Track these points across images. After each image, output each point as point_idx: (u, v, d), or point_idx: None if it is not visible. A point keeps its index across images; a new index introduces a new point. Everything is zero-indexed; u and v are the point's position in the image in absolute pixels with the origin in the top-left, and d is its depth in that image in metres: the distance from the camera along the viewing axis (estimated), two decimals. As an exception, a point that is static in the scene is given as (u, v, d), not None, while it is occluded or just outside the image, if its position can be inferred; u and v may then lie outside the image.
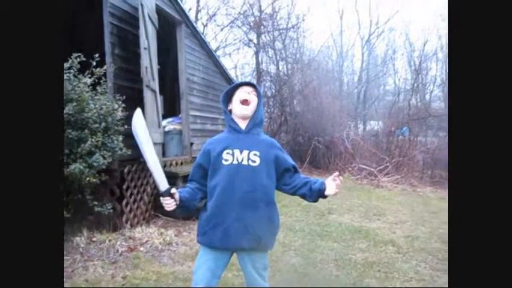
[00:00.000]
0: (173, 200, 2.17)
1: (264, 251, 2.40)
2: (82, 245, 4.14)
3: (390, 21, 30.40)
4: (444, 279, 3.92)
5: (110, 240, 4.33)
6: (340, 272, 3.99)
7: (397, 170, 12.69)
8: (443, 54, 25.06)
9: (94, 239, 4.32)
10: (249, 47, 15.74)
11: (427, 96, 25.53)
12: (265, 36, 15.12)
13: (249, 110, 2.33)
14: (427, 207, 8.19)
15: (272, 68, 15.64)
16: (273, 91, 15.45)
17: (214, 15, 17.53)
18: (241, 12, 15.62)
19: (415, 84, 20.39)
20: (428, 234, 5.69)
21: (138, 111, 2.15)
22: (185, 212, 2.37)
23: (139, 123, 2.12)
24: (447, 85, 22.66)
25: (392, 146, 14.15)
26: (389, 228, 5.93)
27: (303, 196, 2.36)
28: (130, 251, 4.19)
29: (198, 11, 18.21)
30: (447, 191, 10.56)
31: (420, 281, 3.87)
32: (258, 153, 2.29)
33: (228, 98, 2.42)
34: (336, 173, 2.27)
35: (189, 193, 2.31)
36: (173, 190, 2.19)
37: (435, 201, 9.07)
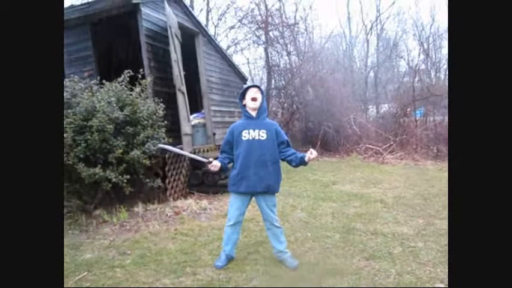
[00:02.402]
0: (216, 164, 3.53)
1: (272, 193, 3.71)
2: (141, 212, 5.54)
3: (397, 4, 30.88)
4: (416, 222, 5.14)
5: (160, 208, 5.74)
6: (334, 220, 5.28)
7: (401, 147, 13.75)
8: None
9: (148, 208, 5.71)
10: (258, 44, 16.84)
11: (441, 75, 26.17)
12: (272, 33, 16.11)
13: (257, 104, 3.64)
14: (422, 176, 9.26)
15: (281, 62, 16.61)
16: (283, 83, 16.49)
17: (223, 14, 18.71)
18: (248, 11, 16.66)
19: (423, 65, 21.23)
20: (414, 195, 6.87)
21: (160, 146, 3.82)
22: (222, 170, 3.78)
23: (165, 148, 3.74)
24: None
25: (397, 126, 15.20)
26: (382, 192, 7.14)
27: (290, 161, 3.69)
28: (175, 214, 5.56)
29: (208, 12, 19.44)
30: (446, 163, 11.63)
31: (396, 224, 5.10)
32: (264, 131, 3.60)
33: (242, 96, 3.72)
34: (311, 149, 3.55)
35: (222, 159, 3.65)
36: (212, 160, 3.55)
37: (432, 172, 10.06)
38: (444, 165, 11.37)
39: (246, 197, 3.69)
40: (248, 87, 3.73)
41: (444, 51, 24.82)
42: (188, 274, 3.67)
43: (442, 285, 3.34)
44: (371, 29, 25.99)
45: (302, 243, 4.41)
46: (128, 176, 5.07)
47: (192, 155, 4.16)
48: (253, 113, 3.68)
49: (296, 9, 17.50)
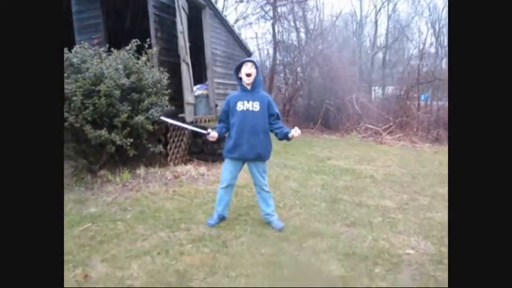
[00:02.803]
0: (214, 135, 3.86)
1: (263, 160, 4.03)
2: (142, 174, 5.89)
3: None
4: (400, 197, 5.47)
5: (160, 172, 6.09)
6: (324, 191, 5.63)
7: (401, 129, 14.01)
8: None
9: (150, 171, 6.06)
10: (266, 19, 16.91)
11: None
12: (280, 9, 16.16)
13: (251, 79, 3.92)
14: (417, 157, 9.56)
15: (288, 38, 16.71)
16: (289, 59, 16.63)
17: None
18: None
19: (432, 48, 21.24)
20: (404, 173, 7.19)
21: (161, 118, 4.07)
22: (221, 140, 4.15)
23: (164, 120, 4.03)
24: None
25: (398, 108, 15.41)
26: (374, 169, 7.46)
27: (275, 133, 4.00)
28: (175, 178, 5.92)
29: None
30: (445, 147, 11.90)
31: (381, 198, 5.44)
32: (258, 103, 3.90)
33: (238, 70, 3.99)
34: (296, 128, 3.84)
35: (220, 128, 3.98)
36: (210, 131, 3.87)
37: (427, 154, 10.35)
38: (441, 148, 11.66)
39: (238, 162, 4.01)
40: (243, 62, 3.99)
41: None
42: (183, 229, 4.03)
43: (413, 251, 3.70)
44: (380, 9, 25.57)
45: (290, 209, 4.76)
46: (131, 140, 5.40)
47: (190, 127, 4.48)
48: (248, 86, 3.96)
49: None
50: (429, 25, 26.12)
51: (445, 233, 4.12)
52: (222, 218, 4.21)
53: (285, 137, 3.90)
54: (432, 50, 25.83)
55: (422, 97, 16.40)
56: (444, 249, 3.71)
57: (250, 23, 18.73)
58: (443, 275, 3.20)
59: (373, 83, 22.19)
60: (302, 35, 17.26)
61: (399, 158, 9.05)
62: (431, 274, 3.24)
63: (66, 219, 4.29)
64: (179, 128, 6.98)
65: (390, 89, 20.04)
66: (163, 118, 4.44)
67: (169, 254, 3.48)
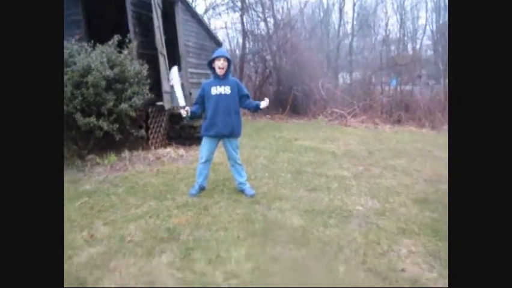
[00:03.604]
0: (187, 110, 4.51)
1: (235, 137, 4.74)
2: (127, 157, 6.52)
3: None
4: (356, 168, 6.28)
5: (143, 154, 6.75)
6: (290, 165, 6.40)
7: (365, 112, 14.93)
8: (433, 4, 26.53)
9: (134, 154, 6.70)
10: (234, 10, 17.47)
11: (417, 46, 27.15)
12: (248, 0, 16.71)
13: (223, 71, 4.58)
14: (376, 136, 10.46)
15: (257, 28, 17.33)
16: (258, 48, 17.28)
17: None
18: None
19: (398, 34, 22.19)
20: (362, 149, 8.05)
21: (175, 68, 4.63)
22: (192, 117, 4.78)
23: (174, 70, 4.59)
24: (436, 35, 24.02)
25: (361, 92, 16.34)
26: (336, 147, 8.28)
27: (249, 108, 4.76)
28: (157, 159, 6.59)
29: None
30: (405, 127, 12.89)
31: (339, 169, 6.24)
32: (229, 87, 4.59)
33: (211, 62, 4.66)
34: (266, 98, 4.59)
35: (195, 108, 4.66)
36: (186, 107, 4.53)
37: (387, 133, 11.27)
38: (401, 128, 12.66)
39: (214, 139, 4.72)
40: (216, 57, 4.66)
41: (421, 21, 25.89)
42: (169, 199, 4.72)
43: (361, 207, 4.49)
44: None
45: (260, 180, 5.51)
46: (117, 125, 6.02)
47: (179, 98, 5.08)
48: (221, 75, 4.64)
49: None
50: (395, 11, 27.23)
51: (390, 195, 4.97)
52: (202, 189, 4.92)
53: (256, 107, 4.68)
54: (398, 35, 27.08)
55: (394, 82, 17.34)
56: (388, 205, 4.55)
57: (220, 13, 19.29)
58: (383, 223, 4.02)
59: (340, 70, 23.05)
60: (270, 24, 17.88)
61: (360, 138, 9.92)
62: (374, 222, 4.04)
63: (65, 196, 4.92)
64: (158, 114, 7.62)
65: (357, 75, 21.00)
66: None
67: (159, 217, 4.17)
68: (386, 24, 25.05)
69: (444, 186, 5.33)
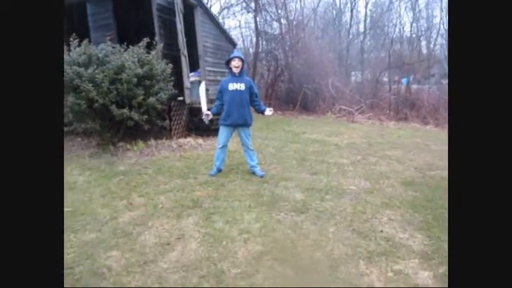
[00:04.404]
0: (209, 114, 5.39)
1: (248, 126, 5.58)
2: (153, 144, 7.42)
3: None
4: (355, 157, 7.07)
5: (167, 143, 7.65)
6: (296, 154, 7.22)
7: (371, 109, 15.66)
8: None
9: (159, 142, 7.60)
10: (248, 11, 18.29)
11: (431, 45, 27.59)
12: (261, 1, 17.47)
13: (238, 70, 5.43)
14: (380, 131, 11.17)
15: (270, 28, 18.08)
16: (270, 47, 18.06)
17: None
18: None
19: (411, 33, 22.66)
20: (363, 142, 8.82)
21: (203, 83, 5.50)
22: (218, 114, 5.74)
23: (202, 86, 5.45)
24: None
25: (369, 90, 17.07)
26: (339, 140, 9.07)
27: (255, 108, 5.60)
28: (179, 147, 7.48)
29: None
30: (409, 124, 13.58)
31: (340, 157, 7.04)
32: (243, 84, 5.44)
33: (228, 62, 5.51)
34: (271, 108, 5.46)
35: (216, 108, 5.52)
36: (208, 112, 5.41)
37: (390, 129, 11.95)
38: (405, 125, 13.34)
39: (230, 128, 5.57)
40: (232, 57, 5.51)
41: (436, 20, 26.27)
42: (191, 178, 5.59)
43: (355, 187, 5.30)
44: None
45: (269, 165, 6.35)
46: (146, 116, 6.92)
47: (204, 104, 5.94)
48: (236, 73, 5.48)
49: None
50: (409, 9, 27.65)
51: (381, 178, 5.76)
52: (219, 170, 5.77)
53: (261, 111, 5.54)
54: (411, 34, 27.58)
55: (404, 81, 17.98)
56: (377, 186, 5.34)
57: (234, 13, 20.14)
58: (371, 199, 4.82)
59: (352, 68, 23.66)
60: (283, 23, 18.59)
61: (364, 132, 10.67)
62: (363, 198, 4.84)
63: (103, 174, 5.83)
64: (179, 108, 8.50)
65: (368, 74, 21.58)
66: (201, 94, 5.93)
67: (185, 191, 5.04)
68: (395, 25, 25.58)
69: (432, 173, 6.12)
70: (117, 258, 3.35)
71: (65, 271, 3.12)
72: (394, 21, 28.03)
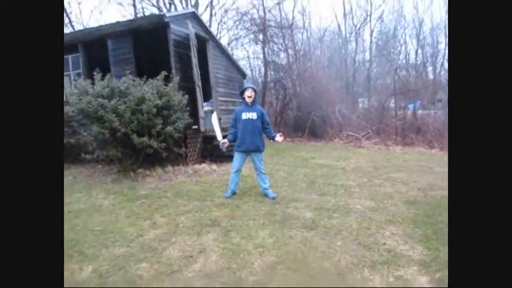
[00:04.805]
0: (226, 142, 5.89)
1: (260, 152, 6.05)
2: (171, 171, 7.90)
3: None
4: (361, 180, 7.47)
5: (183, 169, 8.13)
6: (305, 177, 7.65)
7: (378, 135, 16.08)
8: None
9: (175, 168, 8.08)
10: (256, 43, 19.07)
11: (437, 70, 28.13)
12: (269, 32, 18.25)
13: (251, 99, 5.94)
14: (386, 156, 11.56)
15: (277, 59, 18.81)
16: (278, 77, 18.74)
17: (226, 11, 20.91)
18: (247, 12, 18.83)
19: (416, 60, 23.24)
20: (369, 166, 9.22)
21: (215, 113, 6.01)
22: (233, 141, 6.18)
23: (214, 116, 5.97)
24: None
25: (375, 116, 17.53)
26: (346, 164, 9.48)
27: (267, 135, 6.06)
28: (195, 172, 7.94)
29: (212, 8, 21.55)
30: (414, 148, 13.94)
31: (346, 180, 7.44)
32: (255, 113, 5.94)
33: (242, 92, 6.03)
34: (281, 133, 5.93)
35: (232, 135, 6.01)
36: (224, 140, 5.90)
37: (396, 154, 12.30)
38: (411, 150, 13.70)
39: (244, 154, 6.03)
40: (246, 88, 6.03)
41: (441, 46, 26.95)
42: (208, 200, 6.02)
43: (360, 206, 5.69)
44: (359, 28, 27.66)
45: (280, 188, 6.78)
46: (164, 144, 7.43)
47: (218, 135, 6.42)
48: (249, 102, 5.99)
49: (294, 5, 19.63)
50: (412, 37, 28.45)
51: (386, 198, 6.14)
52: (234, 193, 6.20)
53: (272, 137, 6.00)
54: (416, 61, 28.30)
55: (411, 106, 18.42)
56: (382, 205, 5.73)
57: (243, 44, 20.93)
58: (375, 216, 5.20)
59: (359, 95, 24.20)
60: (290, 53, 19.30)
61: (370, 157, 11.07)
62: (368, 216, 5.22)
63: (126, 198, 6.29)
64: (194, 136, 9.03)
65: (374, 101, 22.08)
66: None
67: (203, 211, 5.46)
68: (399, 52, 26.21)
69: (433, 193, 6.49)
70: (147, 269, 3.76)
71: (98, 281, 3.55)
72: (399, 49, 28.87)
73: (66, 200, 6.22)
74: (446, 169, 8.60)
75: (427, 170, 8.90)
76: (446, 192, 6.33)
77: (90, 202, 6.22)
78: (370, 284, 3.43)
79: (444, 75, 28.03)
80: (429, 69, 28.32)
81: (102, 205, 6.01)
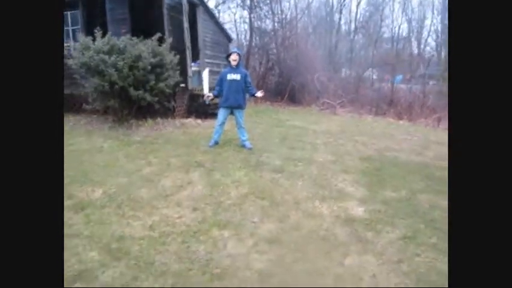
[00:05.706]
0: (210, 96, 6.88)
1: (242, 108, 7.04)
2: (161, 122, 8.87)
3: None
4: (327, 139, 8.57)
5: (172, 121, 9.08)
6: (279, 135, 8.71)
7: (352, 103, 17.17)
8: (439, 3, 28.58)
9: (165, 120, 9.04)
10: (243, 8, 19.67)
11: (422, 45, 29.15)
12: (256, -1, 18.82)
13: (235, 63, 6.87)
14: (356, 122, 12.66)
15: (263, 25, 19.45)
16: (262, 42, 19.44)
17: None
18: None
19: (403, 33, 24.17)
20: (338, 130, 10.32)
21: (207, 69, 7.00)
22: (217, 96, 7.15)
23: (205, 72, 6.96)
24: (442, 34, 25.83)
25: (351, 86, 18.60)
26: (318, 127, 10.54)
27: (247, 91, 7.04)
28: (181, 125, 8.94)
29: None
30: (384, 118, 15.07)
31: (314, 139, 8.52)
32: (239, 75, 6.90)
33: (228, 56, 6.96)
34: (262, 90, 6.93)
35: (216, 91, 6.98)
36: (210, 94, 6.90)
37: (367, 122, 13.34)
38: (381, 119, 14.84)
39: (227, 109, 7.01)
40: (231, 52, 6.95)
41: (427, 22, 27.79)
42: (194, 148, 7.03)
43: (322, 159, 6.78)
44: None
45: (256, 141, 7.82)
46: (157, 98, 8.36)
47: (206, 87, 7.35)
48: (234, 65, 6.93)
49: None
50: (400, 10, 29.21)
51: (345, 154, 7.24)
52: (216, 143, 7.22)
53: (253, 94, 6.97)
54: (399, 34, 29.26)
55: (398, 79, 19.32)
56: (340, 159, 6.83)
57: (229, 8, 21.47)
58: (333, 167, 6.30)
59: (341, 65, 25.05)
60: (276, 20, 19.88)
61: (341, 122, 12.16)
62: (327, 166, 6.32)
63: (123, 142, 7.27)
64: (182, 94, 9.95)
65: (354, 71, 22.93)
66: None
67: (190, 156, 6.49)
68: (385, 25, 27.03)
69: (388, 153, 7.62)
70: (146, 192, 4.80)
71: (107, 199, 4.58)
72: (386, 21, 29.69)
73: (69, 141, 7.17)
74: (406, 136, 9.81)
75: (389, 136, 10.02)
76: (397, 154, 7.51)
77: (91, 144, 7.18)
78: (318, 211, 4.54)
79: (428, 50, 29.18)
80: (414, 44, 29.40)
81: (103, 147, 6.98)
